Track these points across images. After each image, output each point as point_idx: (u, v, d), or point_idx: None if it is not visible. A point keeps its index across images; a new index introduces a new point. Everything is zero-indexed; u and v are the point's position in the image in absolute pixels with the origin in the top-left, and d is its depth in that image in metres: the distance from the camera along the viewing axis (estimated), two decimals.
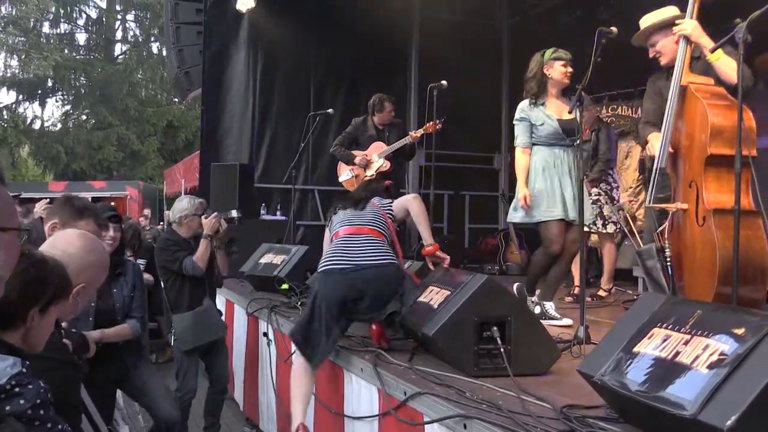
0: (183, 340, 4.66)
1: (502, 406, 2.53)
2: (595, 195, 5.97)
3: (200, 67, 8.66)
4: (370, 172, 6.61)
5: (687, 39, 3.61)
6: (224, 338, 4.94)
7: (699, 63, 3.73)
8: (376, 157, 6.60)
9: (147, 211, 13.79)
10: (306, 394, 3.70)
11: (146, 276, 7.69)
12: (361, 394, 3.43)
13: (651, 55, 3.99)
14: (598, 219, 6.00)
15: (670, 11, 3.88)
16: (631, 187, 7.15)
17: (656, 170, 3.83)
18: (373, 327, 3.72)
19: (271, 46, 8.61)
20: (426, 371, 3.10)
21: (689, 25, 3.58)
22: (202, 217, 4.73)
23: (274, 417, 4.86)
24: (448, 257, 3.86)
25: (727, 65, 3.50)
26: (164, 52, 22.63)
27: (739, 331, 1.94)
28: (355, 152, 6.72)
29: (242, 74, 8.54)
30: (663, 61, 3.89)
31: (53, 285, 1.84)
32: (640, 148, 7.09)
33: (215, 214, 4.75)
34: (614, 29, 3.77)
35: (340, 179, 6.95)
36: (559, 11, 9.32)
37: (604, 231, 6.05)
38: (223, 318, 5.17)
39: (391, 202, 4.00)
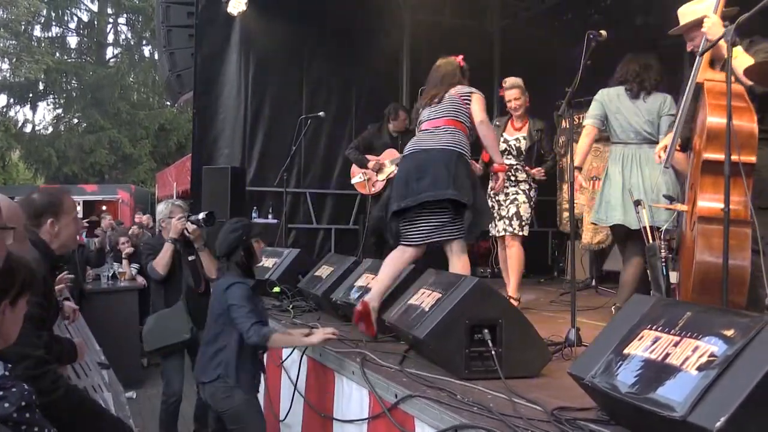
0: (145, 341, 4.76)
1: (493, 409, 2.53)
2: (513, 194, 5.71)
3: (192, 70, 8.63)
4: (382, 177, 6.91)
5: None
6: None
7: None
8: (389, 162, 6.81)
9: (143, 217, 13.73)
10: (387, 277, 4.00)
11: (140, 280, 7.74)
12: (352, 397, 3.42)
13: (689, 49, 3.91)
14: (515, 219, 5.64)
15: (704, 5, 3.70)
16: None
17: (661, 170, 3.81)
18: (359, 308, 3.84)
19: (262, 49, 8.59)
20: (417, 374, 3.10)
21: (707, 24, 3.47)
22: (173, 219, 4.71)
23: None
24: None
25: (741, 65, 3.32)
26: (156, 56, 22.59)
27: (729, 333, 1.95)
28: (368, 156, 7.00)
29: (234, 77, 8.52)
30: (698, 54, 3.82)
31: (21, 277, 1.84)
32: None
33: (179, 216, 4.71)
34: (603, 32, 3.77)
35: (353, 181, 7.28)
36: (550, 15, 9.34)
37: (520, 233, 5.62)
38: None
39: (471, 93, 4.31)
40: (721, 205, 3.02)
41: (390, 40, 9.11)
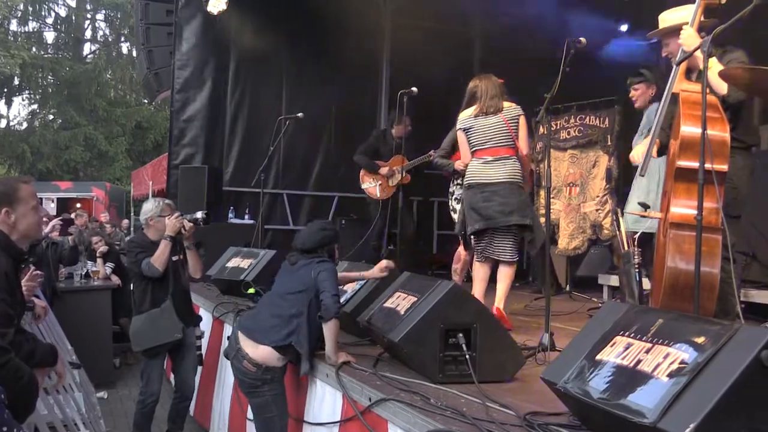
0: (134, 341, 4.68)
1: (466, 413, 2.54)
2: (458, 195, 5.75)
3: (170, 68, 8.59)
4: (393, 183, 7.31)
5: None
6: (192, 343, 4.87)
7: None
8: (399, 169, 7.05)
9: (106, 215, 13.54)
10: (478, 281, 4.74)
11: (114, 279, 7.67)
12: (325, 400, 3.41)
13: (663, 54, 4.03)
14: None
15: (685, 12, 3.78)
16: (597, 196, 7.21)
17: (636, 177, 3.88)
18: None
19: (242, 49, 8.57)
20: (391, 377, 3.10)
21: (684, 35, 3.56)
22: (166, 218, 4.68)
23: (226, 424, 4.81)
24: None
25: (716, 75, 3.40)
26: (134, 53, 22.41)
27: (699, 340, 1.97)
28: (379, 162, 7.42)
29: (213, 76, 8.48)
30: (673, 62, 3.89)
31: None
32: (607, 157, 7.17)
33: (177, 214, 4.71)
34: (583, 40, 3.81)
35: (363, 186, 7.57)
36: (530, 20, 9.35)
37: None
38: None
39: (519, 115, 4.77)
40: (693, 212, 3.10)
41: (370, 43, 9.12)
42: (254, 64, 8.66)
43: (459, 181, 5.87)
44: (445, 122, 8.06)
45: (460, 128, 4.86)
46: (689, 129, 3.36)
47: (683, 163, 3.36)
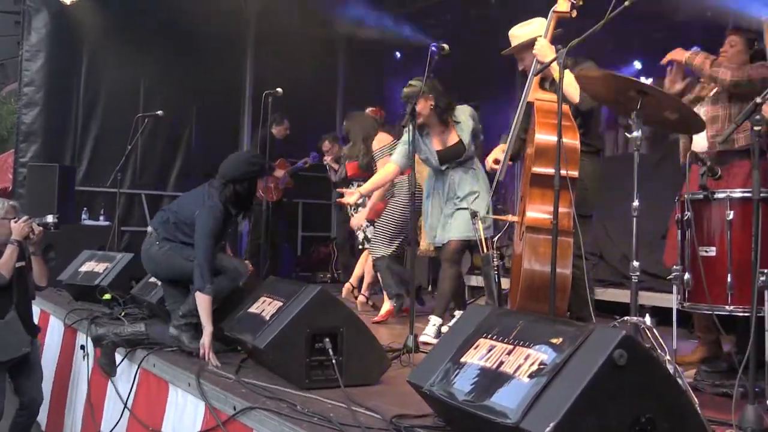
0: None
1: (333, 419, 2.53)
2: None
3: (17, 59, 8.04)
4: (281, 186, 7.79)
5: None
6: (37, 355, 4.56)
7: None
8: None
9: None
10: None
11: None
12: (186, 410, 3.29)
13: (520, 69, 4.12)
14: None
15: (536, 26, 3.95)
16: None
17: (495, 183, 4.03)
18: None
19: (97, 43, 8.12)
20: (256, 384, 3.03)
21: (538, 47, 3.71)
22: (12, 221, 4.35)
23: None
24: None
25: (567, 84, 3.52)
26: None
27: (557, 341, 2.05)
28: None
29: (64, 70, 7.99)
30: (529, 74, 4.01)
31: None
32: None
33: (26, 218, 4.39)
34: (446, 46, 3.88)
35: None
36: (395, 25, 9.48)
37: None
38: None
39: None
40: (547, 216, 3.30)
41: (233, 43, 8.95)
42: (110, 59, 8.23)
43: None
44: (309, 124, 8.09)
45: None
46: (543, 137, 3.54)
47: (538, 169, 3.54)
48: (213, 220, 3.64)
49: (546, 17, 3.81)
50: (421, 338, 4.31)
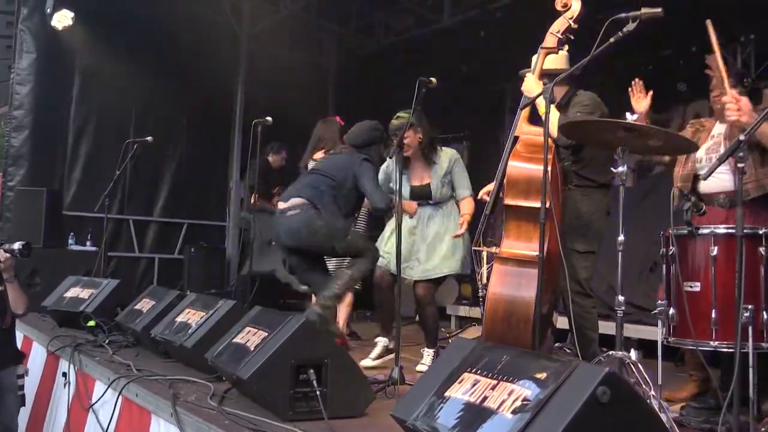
0: None
1: None
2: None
3: (8, 83, 8.04)
4: None
5: None
6: (10, 384, 4.49)
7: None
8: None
9: None
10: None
11: None
12: None
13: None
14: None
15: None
16: None
17: (484, 216, 4.05)
18: None
19: (89, 68, 8.16)
20: (239, 415, 3.00)
21: (526, 82, 3.77)
22: None
23: None
24: None
25: (550, 120, 3.51)
26: None
27: (541, 376, 2.04)
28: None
29: (54, 94, 8.00)
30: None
31: None
32: None
33: None
34: (434, 80, 3.90)
35: None
36: (383, 54, 9.56)
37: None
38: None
39: None
40: (519, 251, 3.45)
41: (225, 69, 9.00)
42: (101, 84, 8.25)
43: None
44: (300, 151, 8.11)
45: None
46: (515, 165, 3.60)
47: (509, 201, 3.60)
48: (372, 165, 4.63)
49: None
50: (418, 368, 4.61)
